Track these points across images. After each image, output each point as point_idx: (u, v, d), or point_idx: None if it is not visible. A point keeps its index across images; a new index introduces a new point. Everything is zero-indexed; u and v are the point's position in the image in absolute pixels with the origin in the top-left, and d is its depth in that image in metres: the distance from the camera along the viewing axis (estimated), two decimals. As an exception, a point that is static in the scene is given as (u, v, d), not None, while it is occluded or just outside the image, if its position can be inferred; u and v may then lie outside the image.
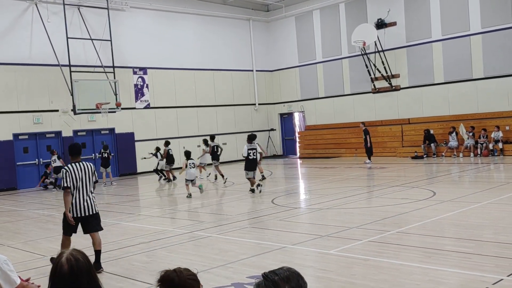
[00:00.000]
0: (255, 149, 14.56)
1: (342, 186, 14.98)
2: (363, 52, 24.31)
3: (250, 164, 14.38)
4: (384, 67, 24.16)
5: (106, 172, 19.82)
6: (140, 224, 11.03)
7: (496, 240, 7.28)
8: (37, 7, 20.90)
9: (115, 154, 22.85)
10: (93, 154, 21.91)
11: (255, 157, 14.45)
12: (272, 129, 29.97)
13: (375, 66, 24.42)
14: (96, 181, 7.42)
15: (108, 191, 17.95)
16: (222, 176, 17.65)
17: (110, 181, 19.83)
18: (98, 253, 7.25)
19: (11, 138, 20.33)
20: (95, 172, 7.38)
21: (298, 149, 28.83)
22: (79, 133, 22.27)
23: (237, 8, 28.11)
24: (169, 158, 19.74)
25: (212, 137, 19.13)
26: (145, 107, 24.32)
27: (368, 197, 12.22)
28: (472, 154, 20.54)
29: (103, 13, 21.79)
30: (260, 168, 15.57)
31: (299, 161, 26.01)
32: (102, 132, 23.03)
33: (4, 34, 20.27)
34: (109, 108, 20.70)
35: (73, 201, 7.13)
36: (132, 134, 23.47)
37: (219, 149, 18.63)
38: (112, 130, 23.20)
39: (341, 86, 26.59)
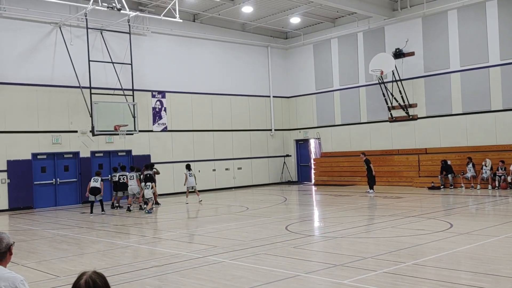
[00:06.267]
0: (125, 175, 18.89)
1: (357, 214, 14.86)
2: (380, 81, 24.35)
3: (119, 187, 19.00)
4: (402, 96, 24.13)
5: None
6: (153, 247, 11.04)
7: (514, 276, 7.14)
8: (61, 30, 21.42)
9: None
10: (109, 176, 21.94)
11: (124, 181, 18.83)
12: (287, 155, 29.96)
13: (393, 95, 24.40)
14: None
15: (141, 213, 17.95)
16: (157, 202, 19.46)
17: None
18: None
19: (29, 157, 20.62)
20: None
21: (313, 176, 28.73)
22: (96, 154, 22.50)
23: (256, 35, 28.46)
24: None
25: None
26: (162, 130, 24.55)
27: (383, 227, 12.08)
28: (490, 187, 20.28)
29: (124, 37, 22.22)
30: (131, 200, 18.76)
31: (313, 188, 25.90)
32: (119, 153, 23.26)
33: (27, 55, 20.76)
34: (127, 131, 20.96)
35: None
36: (148, 157, 23.63)
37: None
38: (129, 152, 23.43)
39: (357, 114, 26.60)
